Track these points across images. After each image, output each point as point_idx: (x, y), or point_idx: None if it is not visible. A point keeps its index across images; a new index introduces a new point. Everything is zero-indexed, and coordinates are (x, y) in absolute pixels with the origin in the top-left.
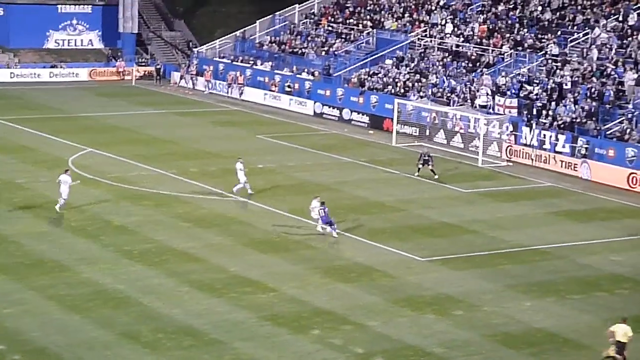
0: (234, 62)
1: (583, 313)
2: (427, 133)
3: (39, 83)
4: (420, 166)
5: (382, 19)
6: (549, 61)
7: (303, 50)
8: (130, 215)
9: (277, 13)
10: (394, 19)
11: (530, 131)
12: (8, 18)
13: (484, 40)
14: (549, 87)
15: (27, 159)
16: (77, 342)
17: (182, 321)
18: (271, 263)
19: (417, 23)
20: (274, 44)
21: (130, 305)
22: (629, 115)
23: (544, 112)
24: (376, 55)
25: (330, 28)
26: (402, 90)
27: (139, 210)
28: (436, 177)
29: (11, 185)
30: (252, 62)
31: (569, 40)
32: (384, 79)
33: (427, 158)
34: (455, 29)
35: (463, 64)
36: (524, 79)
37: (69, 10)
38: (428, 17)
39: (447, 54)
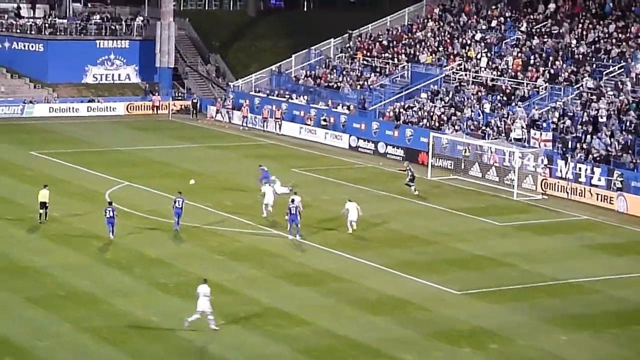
0: (270, 96)
1: (620, 347)
2: (462, 166)
3: (76, 117)
4: (410, 183)
5: (417, 53)
6: (584, 94)
7: (338, 84)
8: (164, 247)
9: (313, 47)
10: (429, 53)
11: (566, 164)
12: (47, 54)
13: (518, 74)
14: (584, 120)
15: (62, 192)
16: None
17: (218, 354)
18: (304, 295)
19: (451, 57)
20: (309, 78)
21: (165, 338)
22: None
23: (579, 145)
24: (411, 89)
25: (365, 62)
26: (437, 124)
27: (173, 243)
28: (416, 193)
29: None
30: (287, 96)
31: (604, 73)
32: (419, 113)
33: (412, 174)
34: (490, 63)
35: (498, 98)
36: (558, 112)
37: (107, 45)
38: (463, 51)
39: (481, 88)
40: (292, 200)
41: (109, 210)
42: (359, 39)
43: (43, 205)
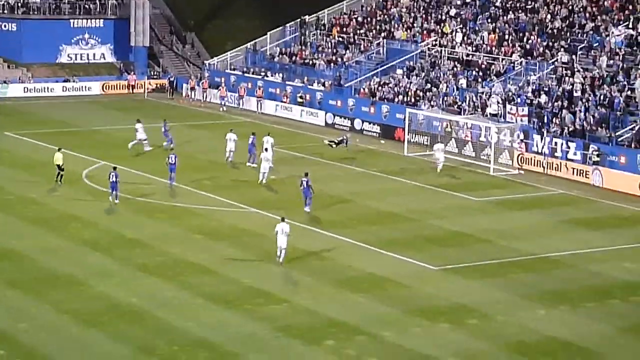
0: (246, 74)
1: (597, 321)
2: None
3: (52, 97)
4: (334, 145)
5: (392, 29)
6: (559, 69)
7: (314, 61)
8: (143, 228)
9: (288, 25)
10: (404, 29)
11: (542, 139)
12: (21, 33)
13: (494, 49)
14: (559, 94)
15: (40, 173)
16: (92, 357)
17: (197, 334)
18: (283, 274)
19: (426, 33)
20: (284, 55)
21: (145, 318)
22: None
23: (555, 119)
24: (387, 66)
25: (340, 39)
26: (413, 100)
27: (152, 223)
28: (326, 142)
29: (24, 199)
30: (263, 74)
31: (578, 47)
32: (395, 89)
33: (345, 140)
34: (465, 38)
35: (473, 73)
36: (534, 87)
37: (81, 24)
38: (438, 27)
39: (457, 63)
40: (306, 174)
41: (112, 175)
42: (334, 16)
43: (59, 167)
